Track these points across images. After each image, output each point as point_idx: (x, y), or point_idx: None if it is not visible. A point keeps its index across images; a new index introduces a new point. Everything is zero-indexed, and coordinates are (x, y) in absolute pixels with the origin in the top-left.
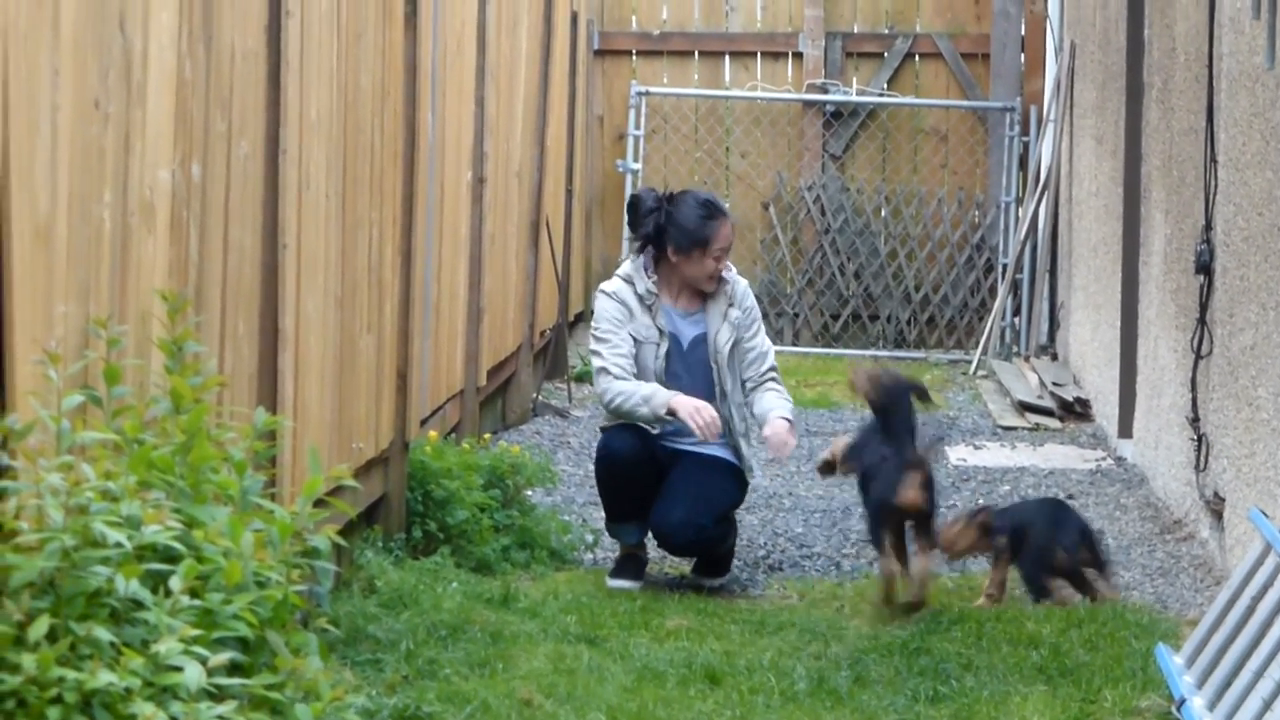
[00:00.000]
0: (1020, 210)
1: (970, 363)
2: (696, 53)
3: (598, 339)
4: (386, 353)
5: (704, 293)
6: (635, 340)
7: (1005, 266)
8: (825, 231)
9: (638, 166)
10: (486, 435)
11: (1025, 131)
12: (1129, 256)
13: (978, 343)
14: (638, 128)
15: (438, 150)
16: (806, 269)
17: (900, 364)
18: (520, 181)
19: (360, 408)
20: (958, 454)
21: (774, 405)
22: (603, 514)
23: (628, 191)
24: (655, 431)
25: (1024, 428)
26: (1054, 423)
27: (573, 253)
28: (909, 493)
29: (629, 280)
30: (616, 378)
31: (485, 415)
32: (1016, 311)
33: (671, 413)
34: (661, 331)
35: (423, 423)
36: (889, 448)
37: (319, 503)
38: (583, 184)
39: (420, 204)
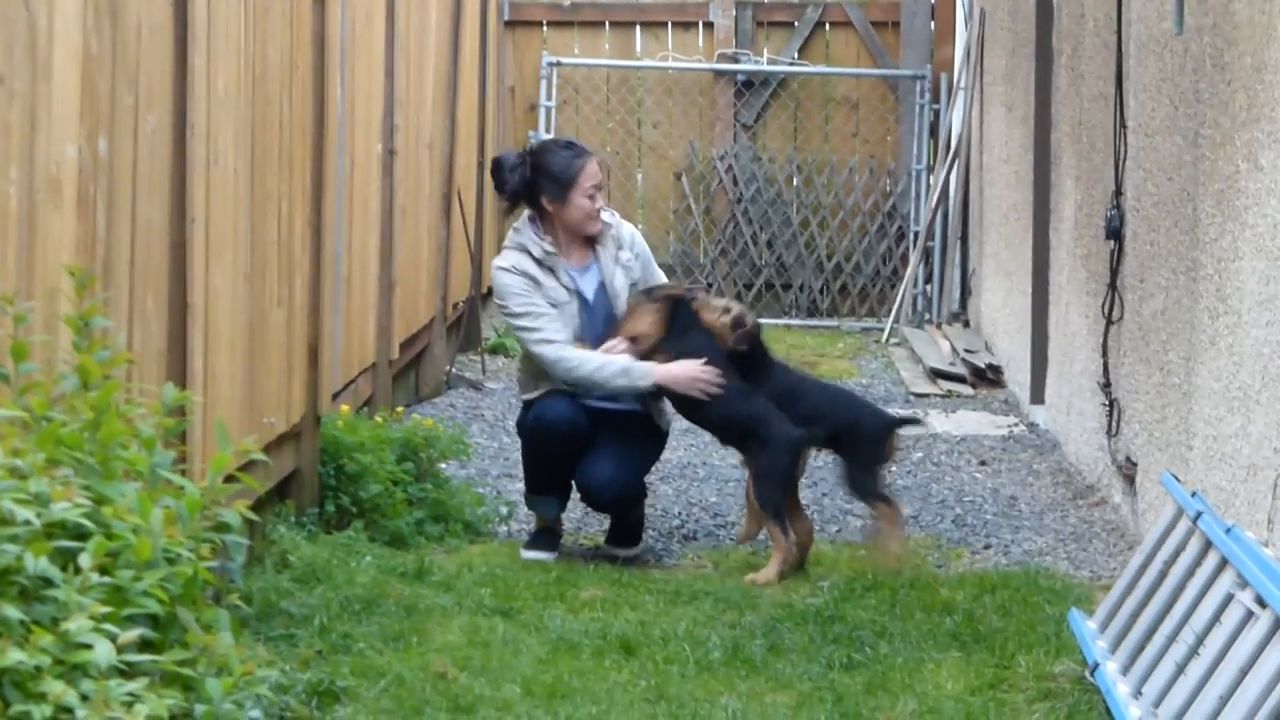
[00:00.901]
0: (931, 178)
1: (883, 331)
2: (607, 23)
3: (519, 315)
4: (297, 327)
5: (592, 242)
6: (550, 304)
7: (917, 234)
8: (738, 201)
9: (550, 137)
10: (400, 409)
11: (936, 99)
12: (1040, 223)
13: (890, 310)
14: (549, 99)
15: (347, 123)
16: (719, 239)
17: (814, 333)
18: (432, 153)
19: (271, 382)
20: None
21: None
22: (518, 486)
23: None
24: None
25: (937, 394)
26: (966, 389)
27: (485, 225)
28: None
29: (522, 249)
30: (569, 347)
31: (398, 388)
32: (929, 279)
33: (661, 389)
34: (569, 290)
35: (335, 397)
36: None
37: (230, 478)
38: (494, 155)
39: (330, 177)
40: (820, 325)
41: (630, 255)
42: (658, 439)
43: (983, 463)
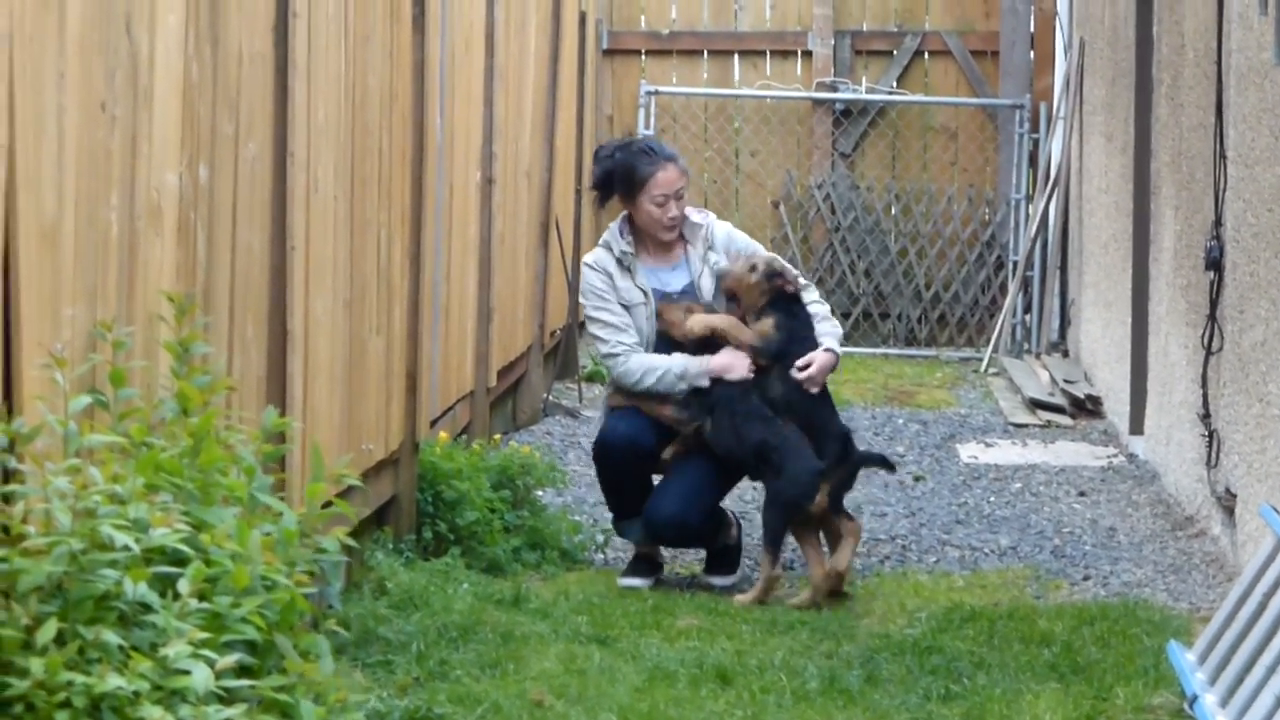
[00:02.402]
0: (1030, 207)
1: (981, 360)
2: (705, 52)
3: (593, 319)
4: (396, 354)
5: (683, 240)
6: (624, 306)
7: (1015, 264)
8: (835, 230)
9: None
10: (497, 436)
11: (1035, 129)
12: (1139, 253)
13: (989, 340)
14: (647, 127)
15: (446, 151)
16: (817, 267)
17: (912, 362)
18: (530, 182)
19: (370, 409)
20: (969, 451)
21: (820, 334)
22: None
23: None
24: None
25: (1035, 425)
26: (1065, 420)
27: (582, 253)
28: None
29: (607, 246)
30: (633, 355)
31: (495, 416)
32: (1027, 309)
33: (712, 378)
34: (645, 292)
35: (433, 424)
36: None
37: (328, 504)
38: (591, 182)
39: (429, 205)
40: (918, 355)
41: (719, 257)
42: (728, 473)
43: (1081, 493)
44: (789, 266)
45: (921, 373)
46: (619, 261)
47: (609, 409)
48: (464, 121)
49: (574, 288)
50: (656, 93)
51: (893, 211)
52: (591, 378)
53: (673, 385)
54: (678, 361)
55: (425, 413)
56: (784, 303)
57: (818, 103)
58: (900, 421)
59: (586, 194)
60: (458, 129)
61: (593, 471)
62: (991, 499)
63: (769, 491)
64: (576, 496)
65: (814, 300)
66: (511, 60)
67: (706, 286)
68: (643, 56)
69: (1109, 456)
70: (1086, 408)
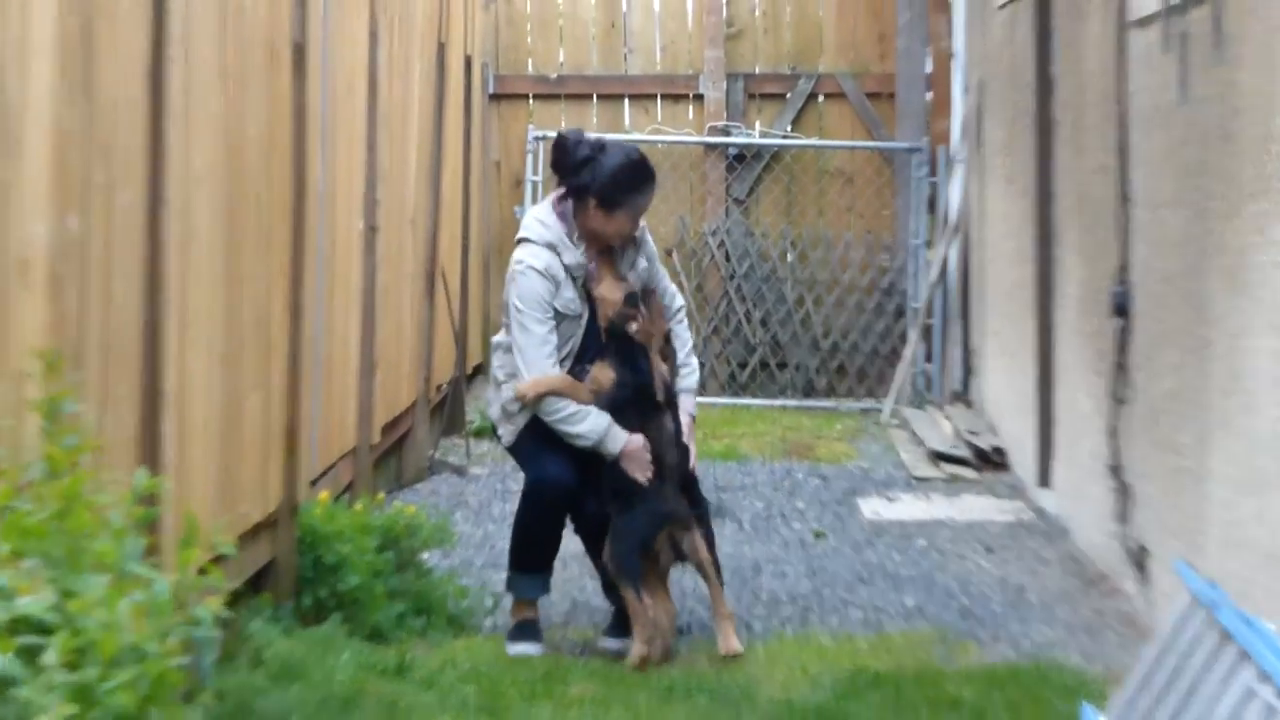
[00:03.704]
0: (930, 253)
1: (882, 411)
2: (595, 95)
3: (527, 327)
4: (274, 411)
5: (610, 248)
6: (556, 314)
7: (916, 311)
8: (731, 278)
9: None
10: (381, 495)
11: (934, 172)
12: (1043, 299)
13: (890, 390)
14: (535, 173)
15: (328, 198)
16: (712, 316)
17: (811, 414)
18: (415, 230)
19: (247, 469)
20: (871, 507)
21: (680, 389)
22: (504, 577)
23: None
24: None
25: (939, 478)
26: (970, 473)
27: (469, 303)
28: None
29: (553, 249)
30: (553, 382)
31: (379, 474)
32: (929, 358)
33: (620, 458)
34: (585, 302)
35: (313, 483)
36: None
37: (204, 570)
38: (480, 231)
39: (310, 255)
40: (817, 406)
41: (645, 262)
42: None
43: (989, 550)
44: (664, 299)
45: (821, 424)
46: (568, 269)
47: (511, 413)
48: (346, 167)
49: (460, 340)
50: (544, 137)
51: (789, 258)
52: (479, 433)
53: (584, 434)
54: (599, 419)
55: (305, 472)
56: (629, 349)
57: (710, 147)
58: (800, 475)
59: (475, 245)
60: (339, 175)
61: (481, 532)
62: (895, 556)
63: (615, 525)
64: (464, 559)
65: (679, 335)
66: (395, 104)
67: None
68: (530, 100)
69: (1016, 511)
70: (992, 460)
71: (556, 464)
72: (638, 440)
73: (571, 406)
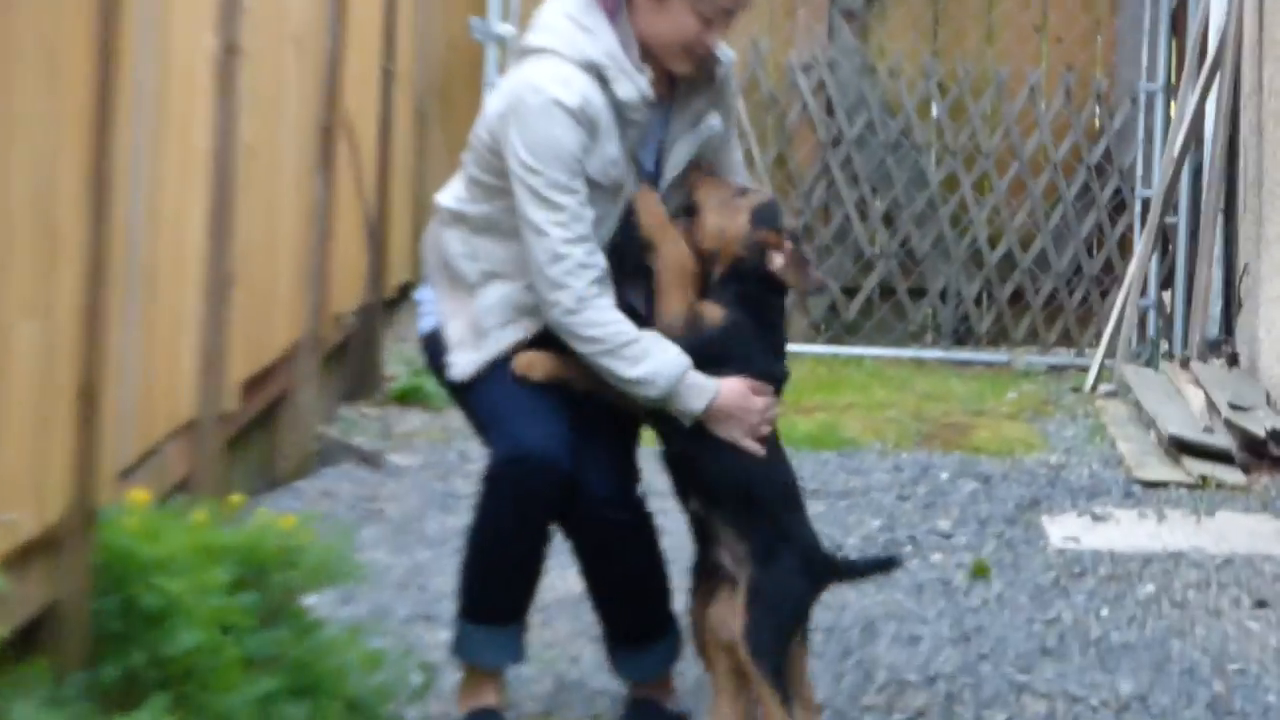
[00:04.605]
0: (1174, 106)
1: (1087, 371)
2: None
3: (541, 199)
4: (60, 354)
5: (673, 76)
6: (590, 184)
7: (1147, 204)
8: (835, 144)
9: (508, 29)
10: (239, 497)
11: None
12: None
13: (1099, 336)
14: None
15: None
16: (802, 208)
17: (965, 372)
18: (301, 53)
19: (9, 450)
20: (1063, 529)
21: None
22: (441, 637)
23: (490, 73)
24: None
25: (1181, 483)
26: (1234, 474)
27: (392, 179)
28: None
29: (591, 68)
30: (602, 297)
31: (237, 463)
32: (1167, 284)
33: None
34: (634, 164)
35: (125, 475)
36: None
37: None
38: (412, 60)
39: (124, 90)
40: (976, 359)
41: (717, 120)
42: None
43: (1261, 604)
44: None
45: (982, 390)
46: (618, 109)
47: (484, 329)
48: None
49: (376, 240)
50: None
51: (934, 113)
52: (406, 396)
53: (633, 383)
54: (666, 355)
55: (110, 456)
56: (754, 285)
57: None
58: (944, 476)
59: (403, 82)
60: None
61: (406, 561)
62: (1104, 612)
63: (755, 586)
64: (377, 605)
65: None
66: None
67: (678, 159)
68: None
69: None
70: (1270, 453)
71: (543, 426)
72: (736, 386)
73: (628, 330)
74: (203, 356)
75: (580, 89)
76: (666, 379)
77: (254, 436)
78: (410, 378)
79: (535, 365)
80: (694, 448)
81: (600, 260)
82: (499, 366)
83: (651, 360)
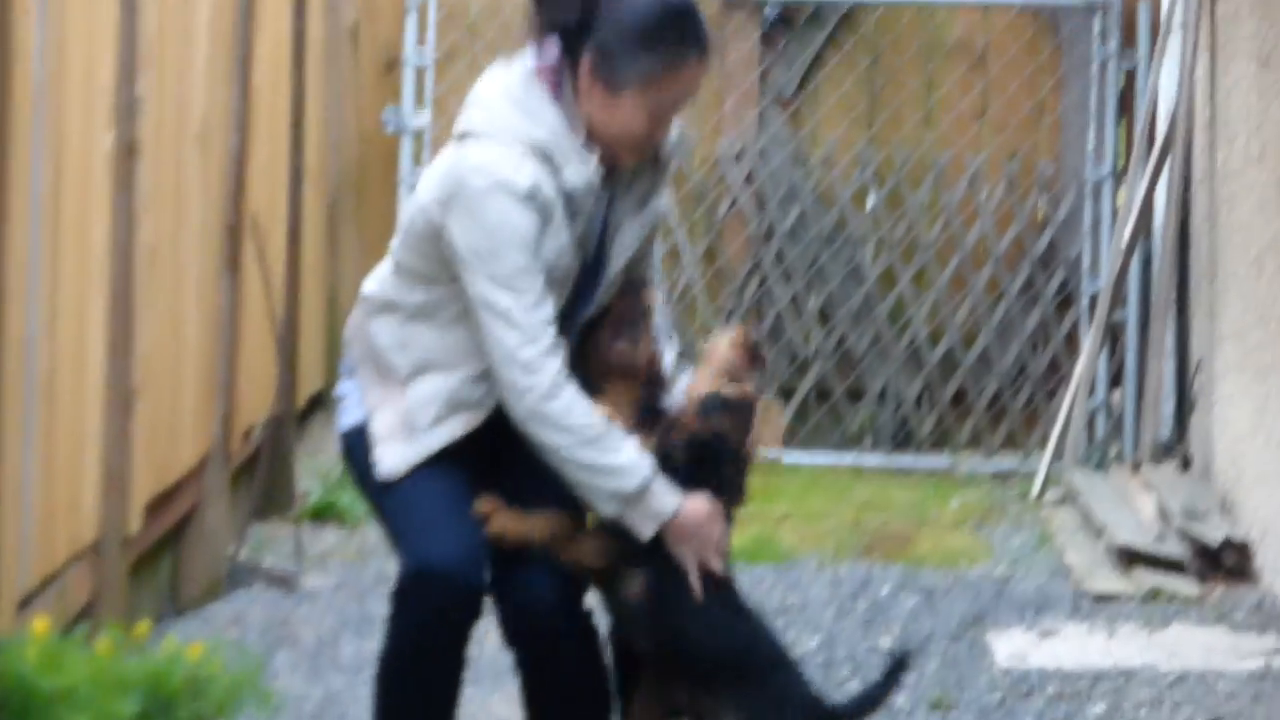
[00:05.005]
0: (1121, 194)
1: (1034, 476)
2: None
3: (502, 285)
4: None
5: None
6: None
7: (1095, 298)
8: (766, 237)
9: (424, 120)
10: (144, 624)
11: (1129, 43)
12: None
13: (1046, 439)
14: (421, 42)
15: (50, 92)
16: (734, 306)
17: (905, 479)
18: (206, 151)
19: None
20: (1011, 646)
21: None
22: None
23: (406, 165)
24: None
25: (1131, 595)
26: (1187, 585)
27: (303, 281)
28: None
29: (543, 155)
30: (566, 386)
31: (142, 587)
32: (1116, 382)
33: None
34: (581, 248)
35: (24, 603)
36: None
37: None
38: (323, 154)
39: (17, 191)
40: (917, 466)
41: (664, 203)
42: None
43: None
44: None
45: (924, 498)
46: (568, 196)
47: (417, 427)
48: (83, 41)
49: (285, 348)
50: None
51: (870, 202)
52: (320, 514)
53: (612, 472)
54: (633, 460)
55: (9, 583)
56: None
57: (732, 5)
58: (885, 590)
59: (313, 177)
60: (72, 54)
61: (320, 690)
62: None
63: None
64: None
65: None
66: None
67: (628, 242)
68: None
69: (1268, 654)
70: (1225, 564)
71: (457, 537)
72: (705, 504)
73: (602, 418)
74: (105, 475)
75: (531, 173)
76: (645, 470)
77: (160, 559)
78: (324, 493)
79: (508, 528)
80: (671, 610)
81: (548, 348)
82: (423, 467)
83: (631, 449)
